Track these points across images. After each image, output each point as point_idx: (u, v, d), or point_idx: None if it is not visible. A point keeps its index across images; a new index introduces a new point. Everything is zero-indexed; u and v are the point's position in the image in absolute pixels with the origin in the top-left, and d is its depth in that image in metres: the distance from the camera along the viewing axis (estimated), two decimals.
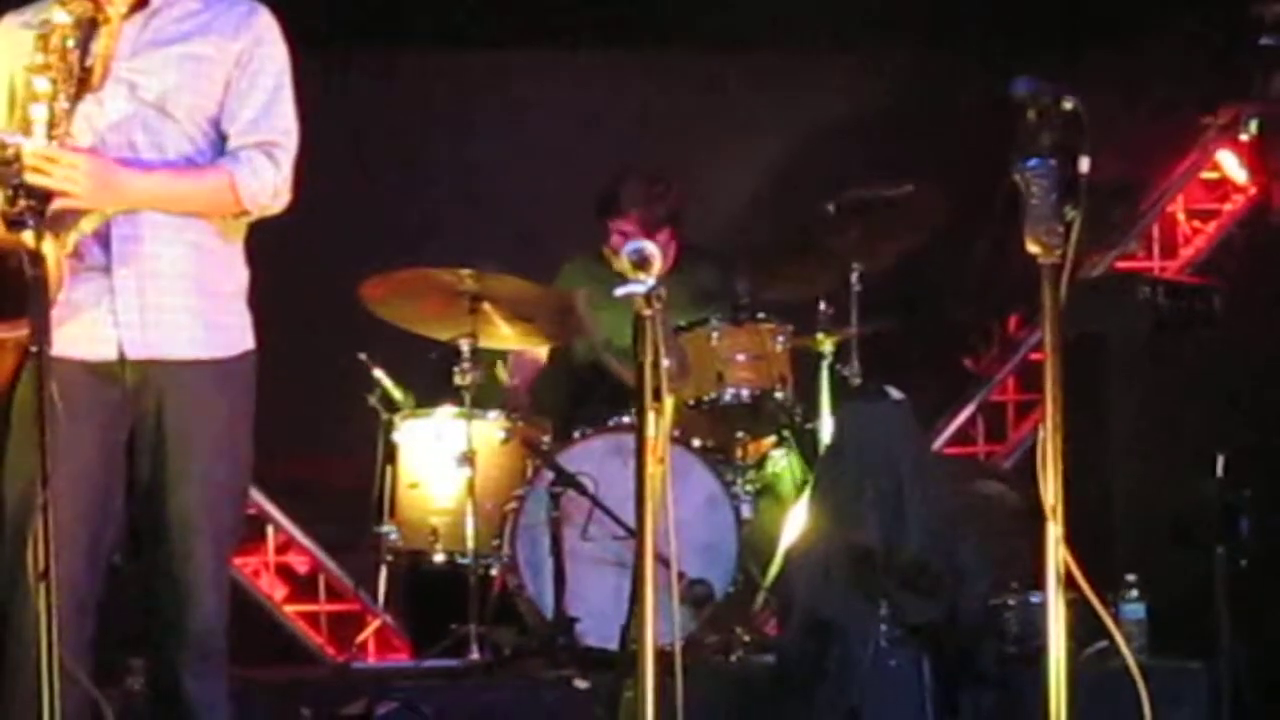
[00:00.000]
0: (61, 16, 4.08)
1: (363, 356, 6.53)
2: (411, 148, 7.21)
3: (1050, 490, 3.89)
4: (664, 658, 3.96)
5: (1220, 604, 5.94)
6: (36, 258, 3.84)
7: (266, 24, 4.43)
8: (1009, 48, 6.72)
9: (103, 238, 4.23)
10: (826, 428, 6.36)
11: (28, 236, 3.84)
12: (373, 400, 6.56)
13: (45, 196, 3.91)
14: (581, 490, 6.02)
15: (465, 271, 6.17)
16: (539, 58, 7.65)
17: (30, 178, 3.90)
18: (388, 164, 6.91)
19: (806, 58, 7.69)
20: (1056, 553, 3.89)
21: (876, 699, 5.47)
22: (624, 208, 6.61)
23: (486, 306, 6.28)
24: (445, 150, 7.41)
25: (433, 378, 6.61)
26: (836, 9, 7.35)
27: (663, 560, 4.32)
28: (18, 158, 3.89)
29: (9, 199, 3.88)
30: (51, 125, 4.03)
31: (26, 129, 4.00)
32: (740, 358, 6.38)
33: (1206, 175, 7.70)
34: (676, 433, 5.90)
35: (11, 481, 4.16)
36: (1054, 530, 3.88)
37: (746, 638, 6.08)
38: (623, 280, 4.24)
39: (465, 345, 6.29)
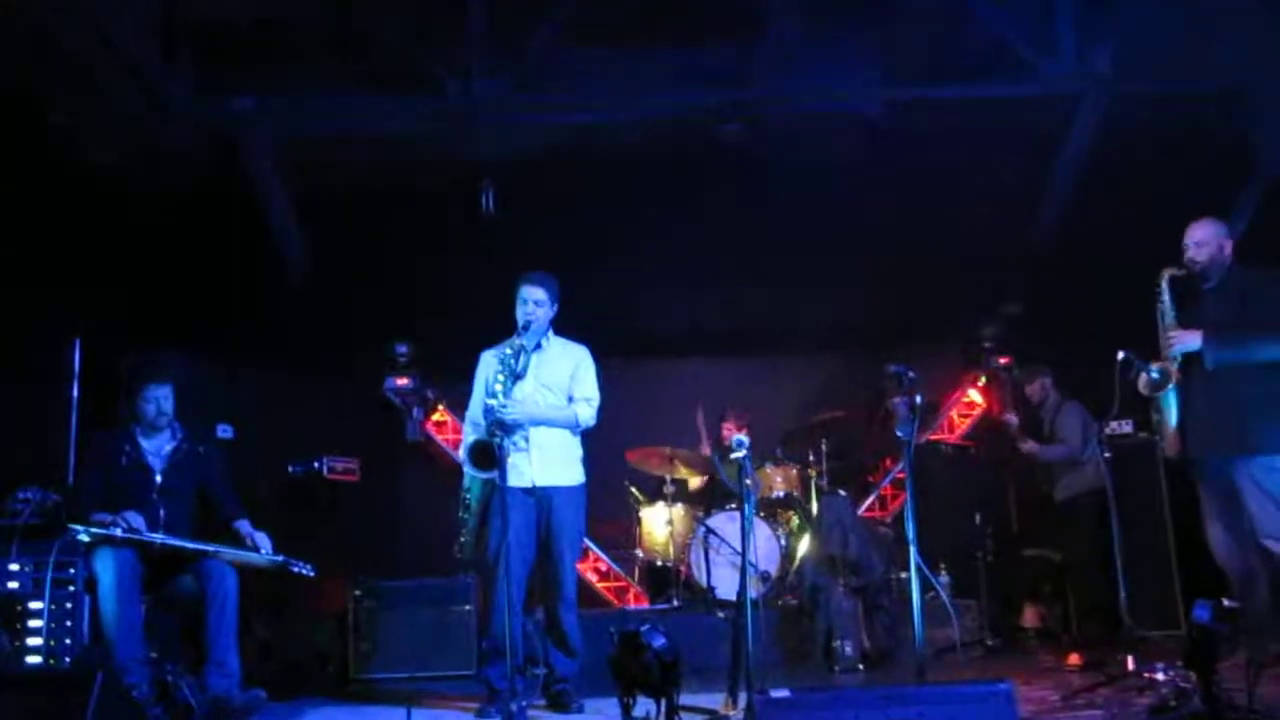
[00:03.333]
0: (519, 347, 4.27)
1: (627, 481, 6.62)
2: (643, 405, 6.78)
3: (910, 530, 4.05)
4: (753, 604, 4.06)
5: (980, 575, 6.10)
6: (502, 446, 4.09)
7: (586, 352, 4.64)
8: (890, 348, 6.32)
9: (525, 435, 4.41)
10: (815, 507, 6.37)
11: (498, 438, 4.11)
12: (630, 501, 6.80)
13: (503, 423, 4.19)
14: (716, 535, 6.14)
15: (666, 448, 6.45)
16: (691, 360, 7.55)
17: (499, 415, 4.21)
18: (631, 407, 6.17)
19: (800, 356, 7.50)
20: (913, 557, 3.99)
21: (839, 622, 5.51)
22: (728, 419, 6.70)
23: (676, 460, 6.50)
24: (650, 401, 7.03)
25: (659, 490, 6.66)
26: (812, 336, 7.22)
27: (751, 563, 4.37)
28: (494, 409, 4.20)
29: (489, 427, 4.16)
30: (505, 394, 4.31)
31: (495, 397, 4.31)
32: (779, 479, 6.54)
33: (966, 399, 7.58)
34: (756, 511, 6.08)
35: (491, 540, 4.31)
36: (912, 549, 4.01)
37: (784, 596, 6.09)
38: (730, 450, 4.44)
39: (668, 477, 6.53)
